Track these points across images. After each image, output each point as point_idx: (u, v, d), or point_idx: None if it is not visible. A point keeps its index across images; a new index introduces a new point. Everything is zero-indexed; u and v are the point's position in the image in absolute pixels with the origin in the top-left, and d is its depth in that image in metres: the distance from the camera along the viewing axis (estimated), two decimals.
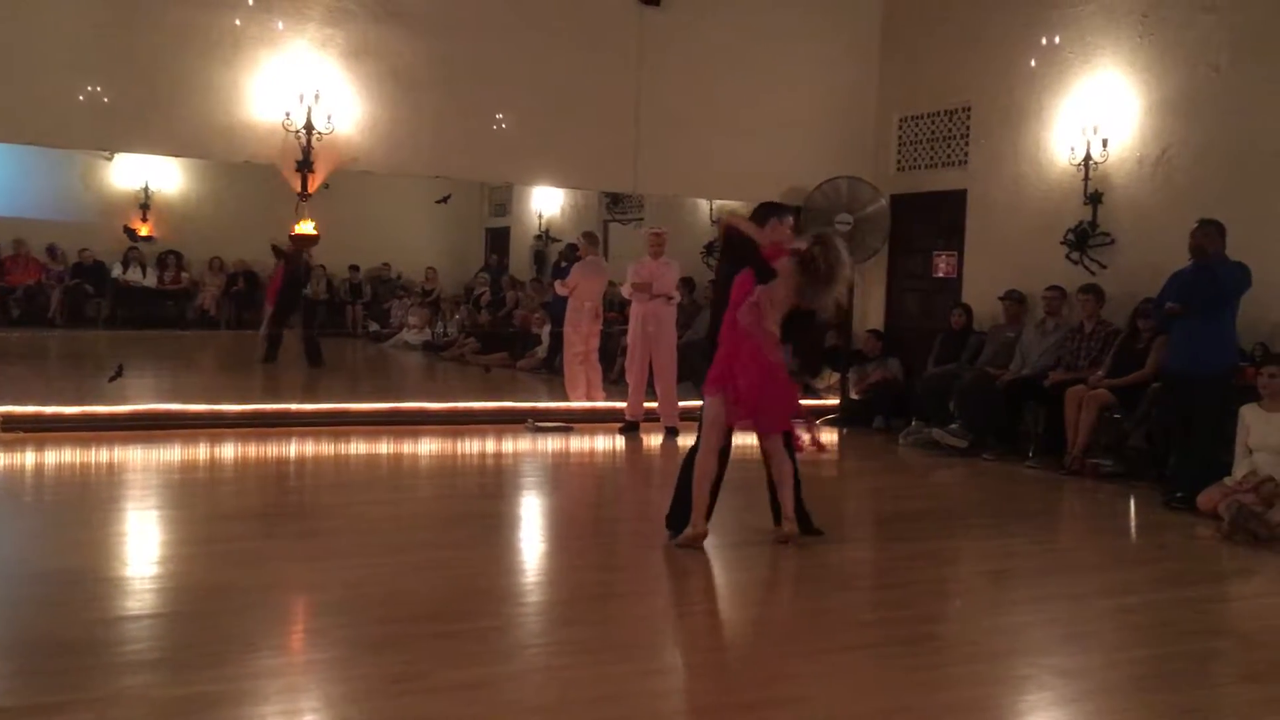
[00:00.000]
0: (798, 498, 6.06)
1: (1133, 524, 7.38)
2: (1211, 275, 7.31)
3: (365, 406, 10.11)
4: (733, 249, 5.97)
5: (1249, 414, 7.08)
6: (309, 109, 9.79)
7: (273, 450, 8.72)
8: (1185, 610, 5.25)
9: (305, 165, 9.84)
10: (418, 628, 4.47)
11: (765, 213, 6.18)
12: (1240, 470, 7.00)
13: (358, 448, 8.97)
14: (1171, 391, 7.71)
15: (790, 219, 6.23)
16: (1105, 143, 9.51)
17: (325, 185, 10.18)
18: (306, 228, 10.24)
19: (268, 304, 13.86)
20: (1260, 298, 7.51)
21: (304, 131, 9.80)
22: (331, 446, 8.96)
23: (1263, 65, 8.44)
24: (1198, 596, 5.56)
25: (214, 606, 4.66)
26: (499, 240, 19.25)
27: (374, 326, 17.70)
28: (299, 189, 9.94)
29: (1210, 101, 8.82)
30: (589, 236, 11.43)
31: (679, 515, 5.98)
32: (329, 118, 9.87)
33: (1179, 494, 7.33)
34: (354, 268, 17.94)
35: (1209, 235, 7.39)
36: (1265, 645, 4.90)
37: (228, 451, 8.53)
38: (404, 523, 6.67)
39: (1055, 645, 4.68)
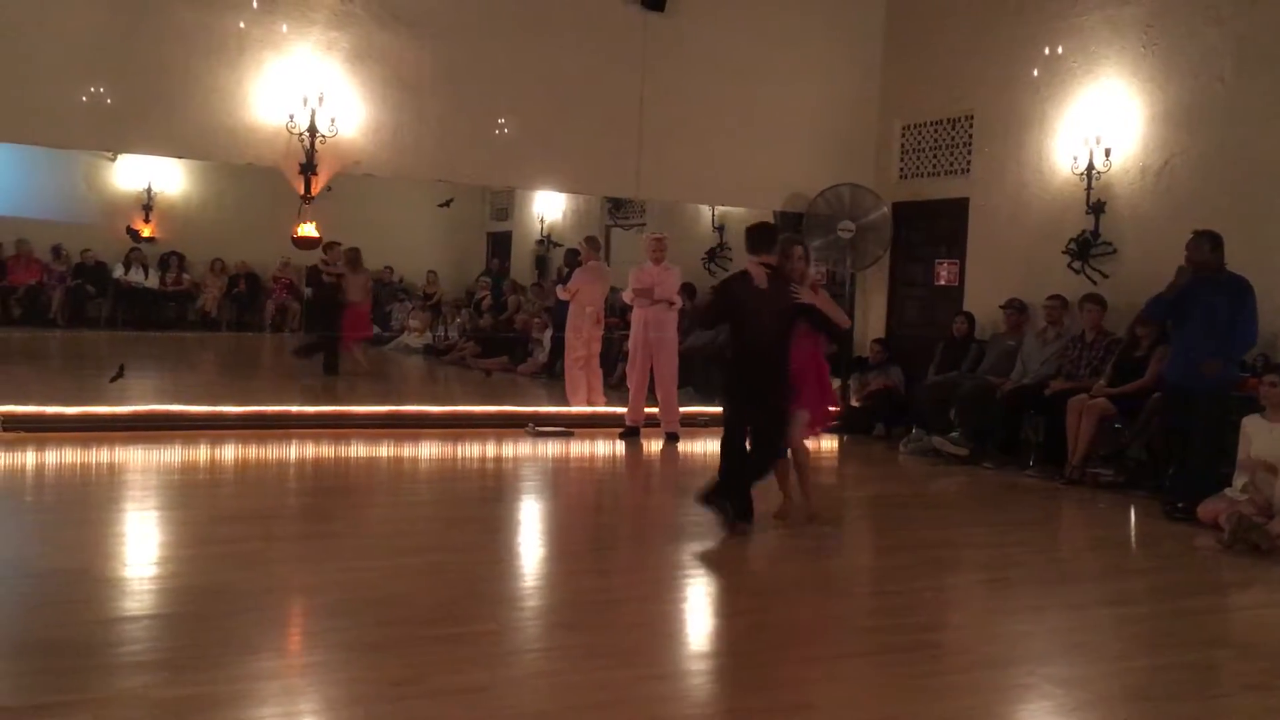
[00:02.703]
0: (748, 488, 6.43)
1: (1133, 534, 7.37)
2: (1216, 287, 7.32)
3: (366, 409, 10.10)
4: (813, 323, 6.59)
5: (1250, 425, 7.07)
6: (312, 112, 9.80)
7: (273, 452, 8.71)
8: (1185, 620, 5.25)
9: (308, 168, 9.85)
10: (417, 631, 4.47)
11: (774, 236, 6.70)
12: (1241, 481, 6.99)
13: (358, 451, 8.96)
14: (1171, 402, 7.71)
15: (799, 249, 6.72)
16: (1108, 152, 9.51)
17: (328, 188, 10.18)
18: (308, 230, 10.24)
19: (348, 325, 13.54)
20: (1261, 309, 7.49)
21: (307, 134, 9.81)
22: (332, 449, 8.95)
23: (1267, 77, 8.44)
24: (1198, 607, 5.56)
25: (213, 608, 4.65)
26: (500, 244, 19.23)
27: (375, 330, 17.68)
28: (302, 191, 9.94)
29: (1214, 113, 8.83)
30: (591, 241, 11.43)
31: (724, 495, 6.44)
32: (332, 121, 9.88)
33: (1179, 504, 7.32)
34: None
35: (1200, 246, 7.41)
36: (1265, 656, 4.89)
37: (228, 453, 8.53)
38: (403, 526, 6.67)
39: (1055, 654, 4.67)
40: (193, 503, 7.03)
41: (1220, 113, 8.78)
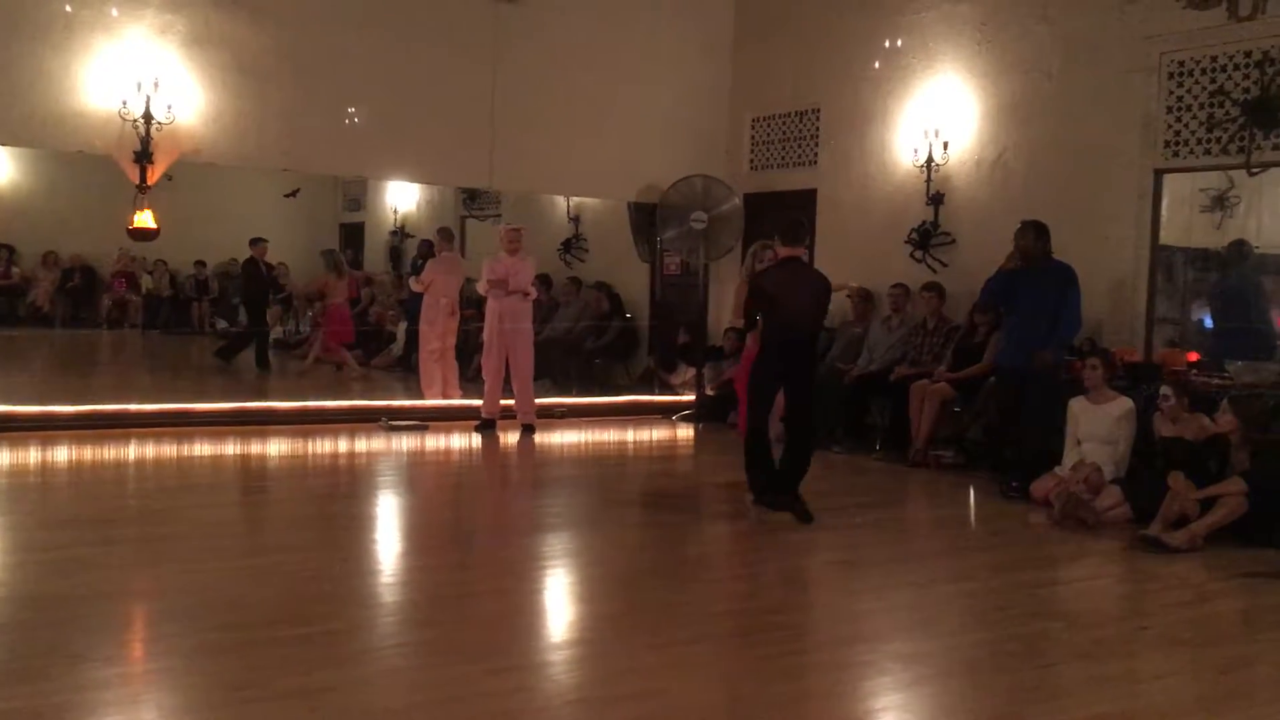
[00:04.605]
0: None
1: (972, 513, 7.67)
2: (1042, 276, 7.67)
3: (210, 406, 9.79)
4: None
5: (1076, 406, 7.44)
6: (147, 98, 9.41)
7: (110, 453, 8.36)
8: (1020, 594, 5.49)
9: (144, 156, 9.46)
10: (261, 633, 4.35)
11: (804, 230, 7.46)
12: (1069, 460, 7.35)
13: (202, 449, 8.66)
14: (1005, 385, 8.04)
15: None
16: (946, 145, 9.86)
17: (168, 177, 9.79)
18: (145, 221, 9.84)
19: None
20: (1086, 294, 7.88)
21: (142, 121, 9.42)
22: (174, 448, 8.63)
23: (1091, 73, 8.87)
24: (1031, 581, 5.81)
25: (40, 617, 4.44)
26: (354, 236, 18.84)
27: (221, 324, 17.10)
28: (137, 181, 9.55)
29: (1042, 107, 9.23)
30: (444, 233, 11.31)
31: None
32: (169, 107, 9.50)
33: (1014, 483, 7.65)
34: (200, 263, 17.30)
35: (1025, 236, 7.75)
36: (1093, 626, 5.15)
37: (61, 455, 8.15)
38: (250, 526, 6.48)
39: (895, 631, 4.83)
40: (21, 508, 6.69)
41: (1048, 107, 9.18)
